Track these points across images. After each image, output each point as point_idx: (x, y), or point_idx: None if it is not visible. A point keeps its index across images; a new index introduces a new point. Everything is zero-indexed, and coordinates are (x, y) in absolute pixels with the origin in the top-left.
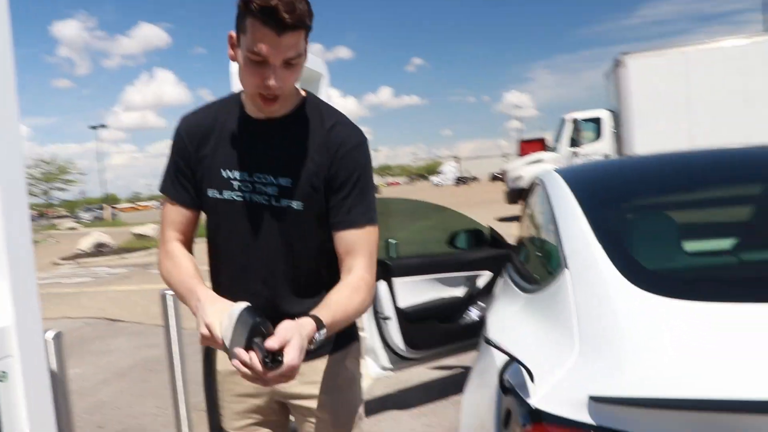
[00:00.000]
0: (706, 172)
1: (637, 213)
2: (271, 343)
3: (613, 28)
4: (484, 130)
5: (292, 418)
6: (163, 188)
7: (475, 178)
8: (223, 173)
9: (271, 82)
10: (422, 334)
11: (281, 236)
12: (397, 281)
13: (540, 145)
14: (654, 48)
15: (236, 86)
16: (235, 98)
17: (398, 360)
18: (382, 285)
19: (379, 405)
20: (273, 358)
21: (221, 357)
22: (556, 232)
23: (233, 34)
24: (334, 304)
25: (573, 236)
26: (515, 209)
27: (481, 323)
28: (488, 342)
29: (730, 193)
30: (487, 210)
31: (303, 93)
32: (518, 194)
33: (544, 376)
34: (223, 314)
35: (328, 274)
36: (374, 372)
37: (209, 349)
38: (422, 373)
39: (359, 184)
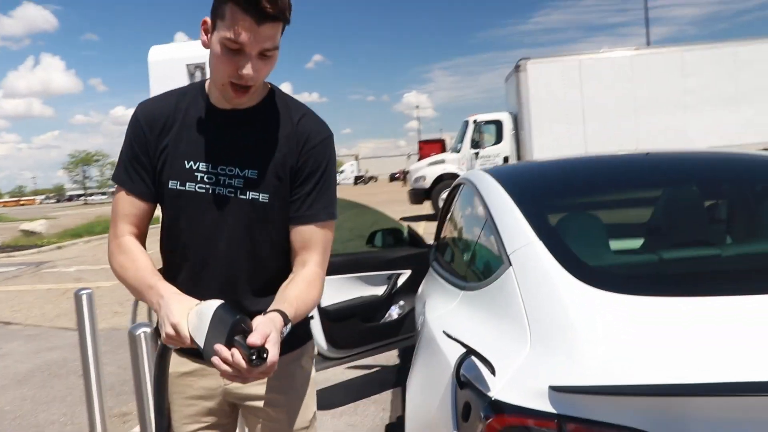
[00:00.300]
0: (627, 174)
1: (569, 212)
2: (255, 339)
3: (510, 33)
4: (384, 130)
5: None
6: (117, 178)
7: (373, 178)
8: (186, 164)
9: (246, 71)
10: (344, 333)
11: (245, 229)
12: None
13: (439, 145)
14: (552, 54)
15: (156, 88)
16: (198, 87)
17: (320, 360)
18: None
19: None
20: (258, 354)
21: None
22: (494, 230)
23: (208, 19)
24: (294, 299)
25: (513, 234)
26: (419, 209)
27: (402, 322)
28: (449, 336)
29: (649, 194)
30: (390, 210)
31: (269, 86)
32: (422, 194)
33: (501, 368)
34: (191, 312)
35: (287, 272)
36: None
37: (165, 350)
38: (339, 372)
39: (323, 178)
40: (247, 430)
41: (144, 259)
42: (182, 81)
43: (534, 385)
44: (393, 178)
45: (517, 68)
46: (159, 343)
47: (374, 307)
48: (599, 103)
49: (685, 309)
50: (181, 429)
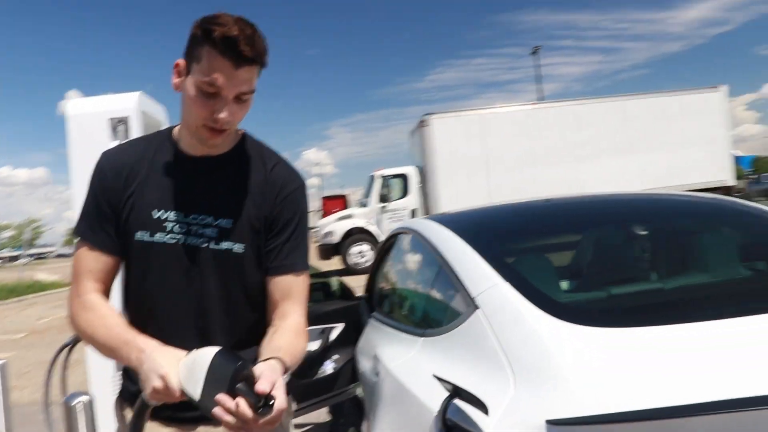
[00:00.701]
0: (568, 217)
1: (522, 254)
2: (263, 386)
3: (407, 90)
4: None
5: None
6: (80, 232)
7: None
8: (155, 214)
9: (222, 115)
10: None
11: (219, 281)
12: None
13: (342, 201)
14: (455, 109)
15: (78, 143)
16: (164, 135)
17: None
18: None
19: None
20: (264, 402)
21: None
22: (452, 275)
23: (181, 62)
24: (286, 349)
25: (475, 277)
26: (328, 264)
27: (336, 376)
28: (439, 379)
29: (594, 234)
30: None
31: (240, 132)
32: (331, 250)
33: (490, 407)
34: (181, 363)
35: (263, 324)
36: None
37: (143, 409)
38: None
39: (299, 228)
40: None
41: (113, 316)
42: (105, 136)
43: (527, 421)
44: None
45: (421, 123)
46: (138, 402)
47: (308, 362)
48: (500, 155)
49: (657, 337)
50: None
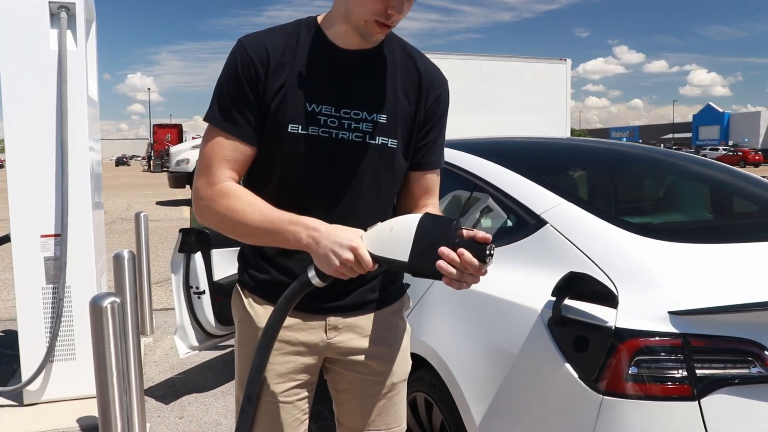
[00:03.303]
0: (584, 155)
1: (564, 179)
2: (484, 236)
3: (242, 23)
4: (104, 112)
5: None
6: (216, 121)
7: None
8: (308, 106)
9: (397, 11)
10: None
11: (370, 173)
12: (214, 252)
13: (175, 130)
14: None
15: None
16: (309, 24)
17: (205, 338)
18: (198, 257)
19: (172, 391)
20: (487, 250)
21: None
22: (502, 195)
23: None
24: None
25: (536, 198)
26: (180, 193)
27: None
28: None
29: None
30: (142, 194)
31: None
32: (185, 178)
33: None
34: (365, 235)
35: (390, 212)
36: (182, 351)
37: (296, 293)
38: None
39: (443, 127)
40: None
41: (262, 201)
42: (43, 23)
43: (648, 313)
44: (120, 162)
45: None
46: (296, 284)
47: None
48: None
49: (719, 252)
50: (273, 388)
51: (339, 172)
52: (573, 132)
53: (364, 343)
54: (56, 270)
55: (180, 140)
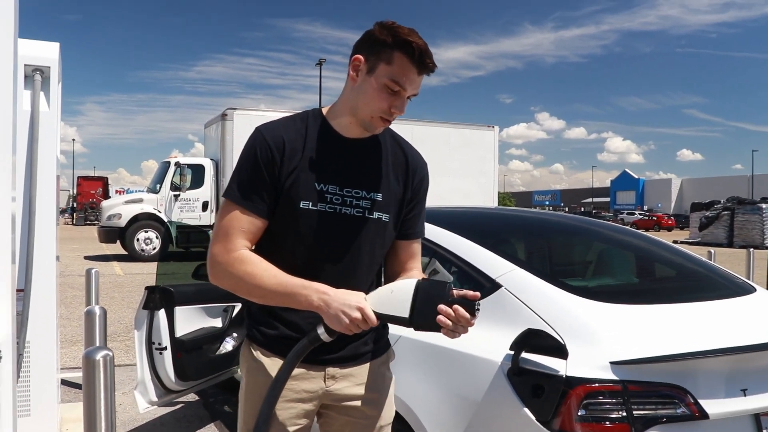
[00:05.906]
0: (530, 224)
1: (511, 247)
2: (473, 293)
3: (171, 78)
4: None
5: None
6: (236, 197)
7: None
8: (317, 186)
9: (398, 110)
10: (192, 364)
11: (368, 243)
12: (177, 310)
13: (101, 183)
14: (257, 108)
15: None
16: (316, 115)
17: (164, 393)
18: (162, 314)
19: None
20: (477, 306)
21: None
22: (463, 263)
23: (361, 58)
24: None
25: (490, 264)
26: (108, 248)
27: (236, 353)
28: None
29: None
30: (68, 247)
31: None
32: (115, 233)
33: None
34: (369, 297)
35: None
36: (141, 407)
37: (306, 347)
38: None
39: (424, 202)
40: None
41: (275, 267)
42: (12, 84)
43: (593, 363)
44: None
45: (223, 116)
46: (305, 340)
47: (214, 338)
48: None
49: (646, 312)
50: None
51: (342, 241)
52: (499, 195)
53: (358, 390)
54: (18, 325)
55: (106, 193)
